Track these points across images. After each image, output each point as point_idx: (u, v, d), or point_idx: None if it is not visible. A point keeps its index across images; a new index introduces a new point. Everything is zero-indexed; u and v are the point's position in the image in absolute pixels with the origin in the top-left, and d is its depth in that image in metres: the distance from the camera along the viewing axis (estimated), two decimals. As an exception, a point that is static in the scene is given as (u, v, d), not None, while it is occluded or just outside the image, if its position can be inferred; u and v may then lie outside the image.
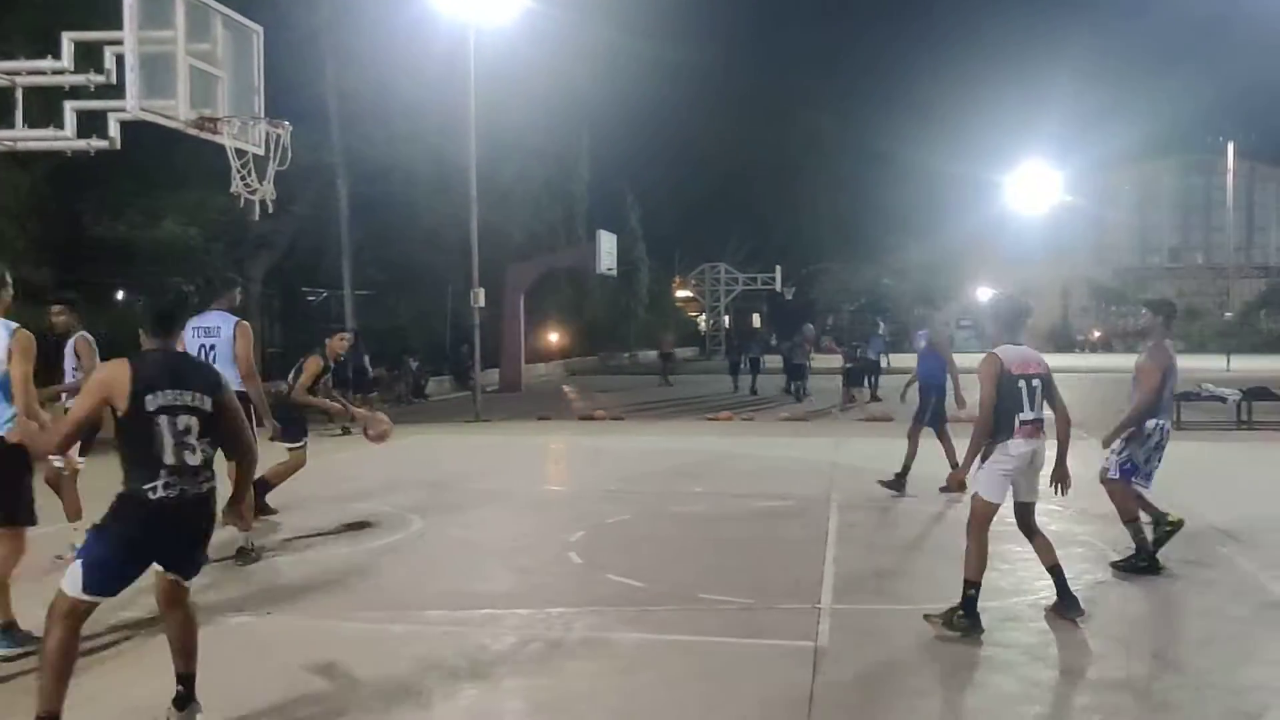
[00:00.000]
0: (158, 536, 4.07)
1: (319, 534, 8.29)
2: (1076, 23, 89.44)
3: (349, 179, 23.44)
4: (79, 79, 8.71)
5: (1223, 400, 16.60)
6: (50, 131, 8.98)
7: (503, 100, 24.95)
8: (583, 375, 36.30)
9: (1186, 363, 36.79)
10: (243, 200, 8.96)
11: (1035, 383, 5.68)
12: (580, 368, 38.79)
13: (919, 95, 59.27)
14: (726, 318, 53.92)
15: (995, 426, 5.57)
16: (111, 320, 16.66)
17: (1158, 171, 68.04)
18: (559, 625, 5.80)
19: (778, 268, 46.31)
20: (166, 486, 3.98)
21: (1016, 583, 6.75)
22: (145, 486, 3.98)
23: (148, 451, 3.98)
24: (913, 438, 10.24)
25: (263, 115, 9.23)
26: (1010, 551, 7.71)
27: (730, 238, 53.14)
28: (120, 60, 8.45)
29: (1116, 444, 7.07)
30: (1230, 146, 46.69)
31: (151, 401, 4.00)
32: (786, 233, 55.30)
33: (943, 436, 10.26)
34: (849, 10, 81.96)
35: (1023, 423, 5.58)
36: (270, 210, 9.25)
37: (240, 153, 8.87)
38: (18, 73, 9.07)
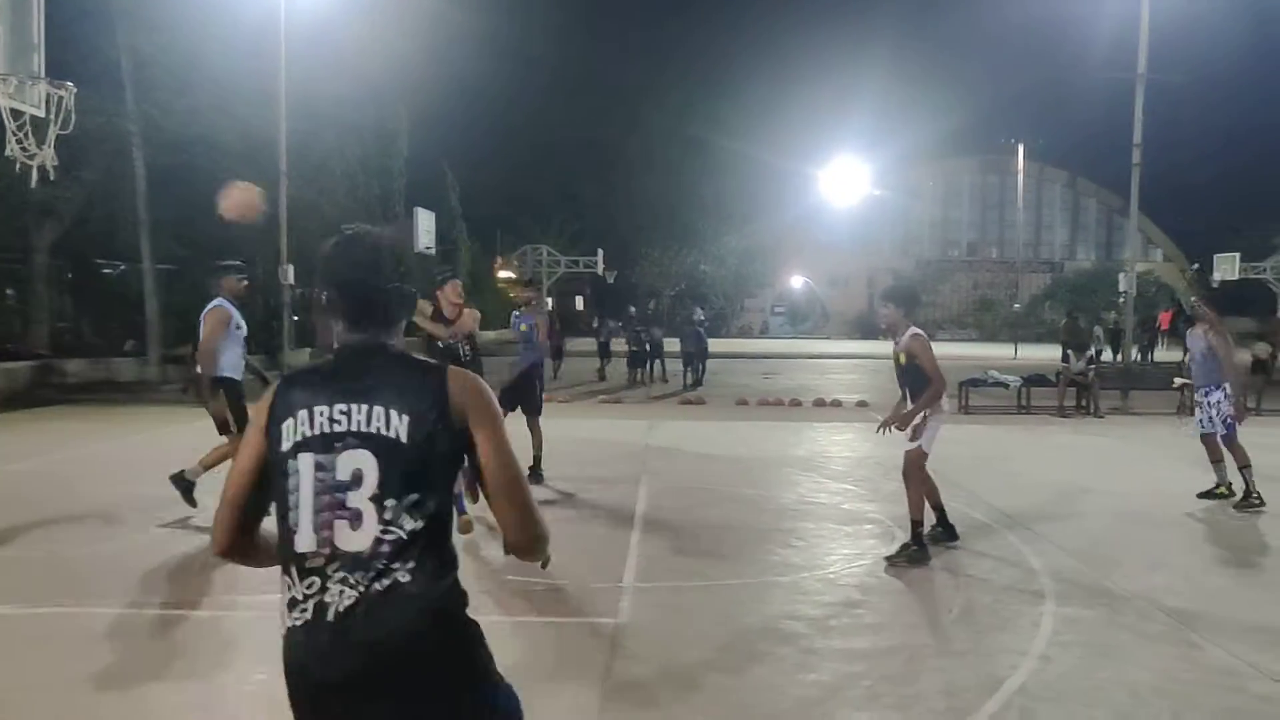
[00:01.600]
0: None
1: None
2: (883, 21, 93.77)
3: (147, 149, 22.10)
4: None
5: (1005, 386, 17.89)
6: None
7: (317, 73, 24.14)
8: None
9: (977, 350, 39.33)
10: (19, 165, 8.34)
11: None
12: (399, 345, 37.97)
13: (738, 86, 60.75)
14: (549, 300, 53.82)
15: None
16: None
17: (959, 169, 72.06)
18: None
19: (599, 251, 46.55)
20: None
21: (808, 559, 7.10)
22: None
23: None
24: None
25: (43, 74, 8.61)
26: (804, 529, 8.11)
27: (553, 220, 53.13)
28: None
29: (1208, 408, 9.01)
30: (1020, 148, 49.91)
31: None
32: (609, 216, 55.79)
33: None
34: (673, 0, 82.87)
35: None
36: (51, 176, 8.62)
37: (16, 114, 8.25)
38: None
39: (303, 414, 2.16)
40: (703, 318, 24.44)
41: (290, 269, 19.12)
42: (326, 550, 2.10)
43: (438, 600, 2.12)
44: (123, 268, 30.14)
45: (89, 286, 28.91)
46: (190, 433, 10.29)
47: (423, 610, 2.09)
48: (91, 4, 20.79)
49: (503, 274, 57.75)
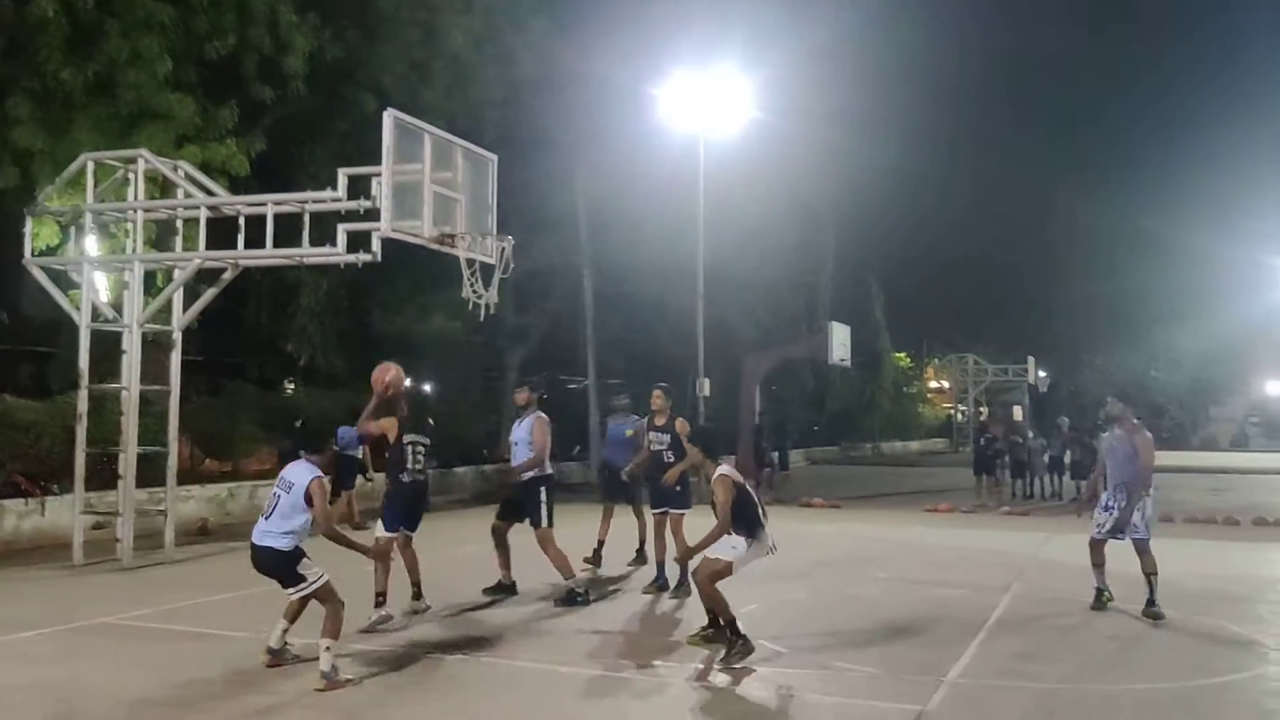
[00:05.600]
0: None
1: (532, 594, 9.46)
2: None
3: (595, 278, 25.61)
4: (351, 205, 10.61)
5: None
6: (327, 249, 10.96)
7: (737, 201, 26.37)
8: (823, 465, 36.54)
9: None
10: (471, 304, 10.50)
11: None
12: (821, 457, 39.02)
13: (1187, 171, 55.60)
14: (982, 410, 52.32)
15: None
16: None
17: None
18: (696, 677, 6.62)
19: (1030, 359, 44.68)
20: None
21: (1149, 670, 6.86)
22: None
23: None
24: None
25: (494, 231, 10.80)
26: (1158, 643, 7.75)
27: (982, 327, 51.87)
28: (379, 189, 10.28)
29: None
30: None
31: None
32: (1041, 322, 53.27)
33: None
34: (1104, 81, 77.93)
35: None
36: (493, 311, 10.71)
37: (470, 262, 10.44)
38: (305, 201, 11.19)
39: None
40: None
41: (706, 382, 21.05)
42: None
43: None
44: (584, 382, 34.43)
45: (553, 400, 33.30)
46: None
47: None
48: (561, 162, 24.61)
49: (931, 384, 57.16)
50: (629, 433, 11.17)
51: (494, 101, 20.77)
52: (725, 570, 7.04)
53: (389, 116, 10.15)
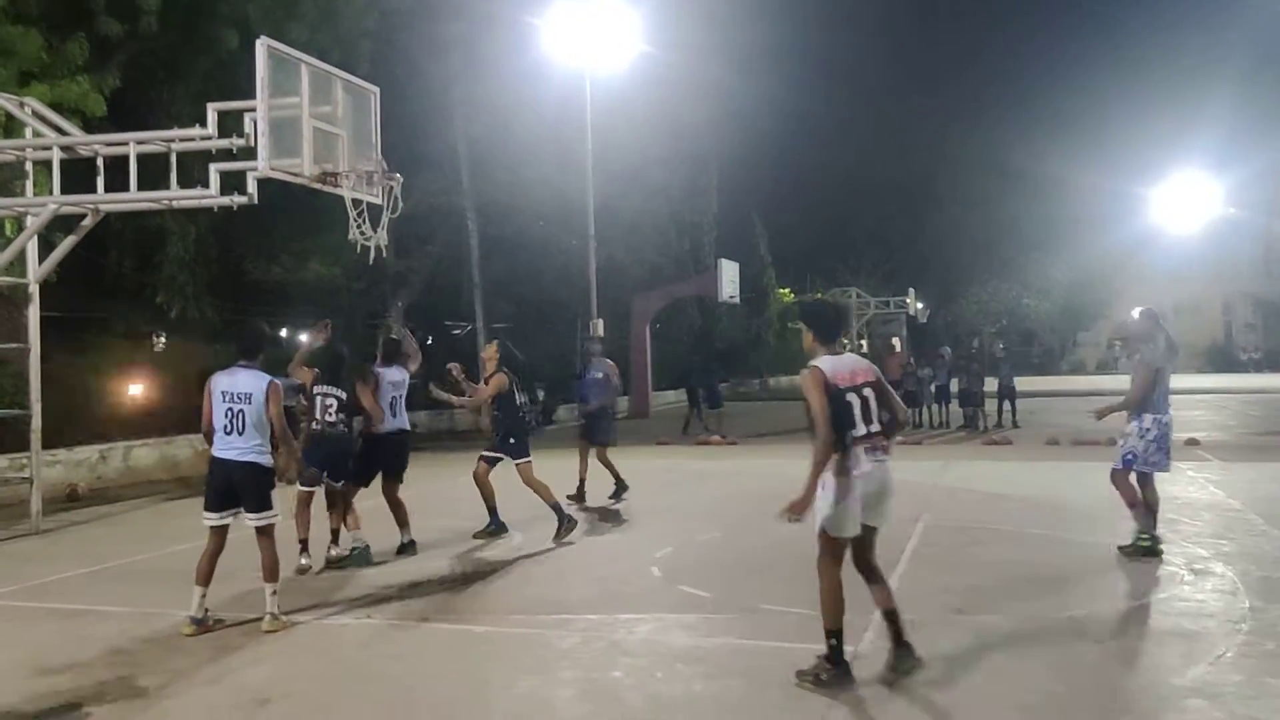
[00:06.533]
0: None
1: (427, 547, 9.05)
2: (1234, 20, 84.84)
3: (479, 220, 24.82)
4: (223, 143, 9.83)
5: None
6: (198, 191, 10.16)
7: (623, 139, 25.90)
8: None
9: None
10: (359, 246, 9.89)
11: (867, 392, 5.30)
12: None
13: (1058, 106, 57.39)
14: (863, 341, 53.43)
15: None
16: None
17: (1330, 177, 63.94)
18: (622, 628, 6.34)
19: (910, 290, 45.79)
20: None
21: (1073, 599, 6.90)
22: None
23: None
24: None
25: (379, 168, 10.15)
26: (1078, 568, 7.82)
27: (864, 261, 52.85)
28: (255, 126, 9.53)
29: (1121, 438, 8.15)
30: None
31: None
32: (923, 255, 54.64)
33: None
34: (979, 19, 79.70)
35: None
36: (384, 254, 10.14)
37: (356, 202, 9.80)
38: (172, 140, 10.32)
39: None
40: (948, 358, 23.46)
41: (600, 323, 20.67)
42: None
43: None
44: (469, 328, 33.71)
45: (440, 346, 32.51)
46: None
47: None
48: (437, 97, 23.68)
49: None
50: (600, 375, 12.01)
51: (367, 33, 19.78)
52: (838, 545, 5.40)
53: (262, 45, 9.38)
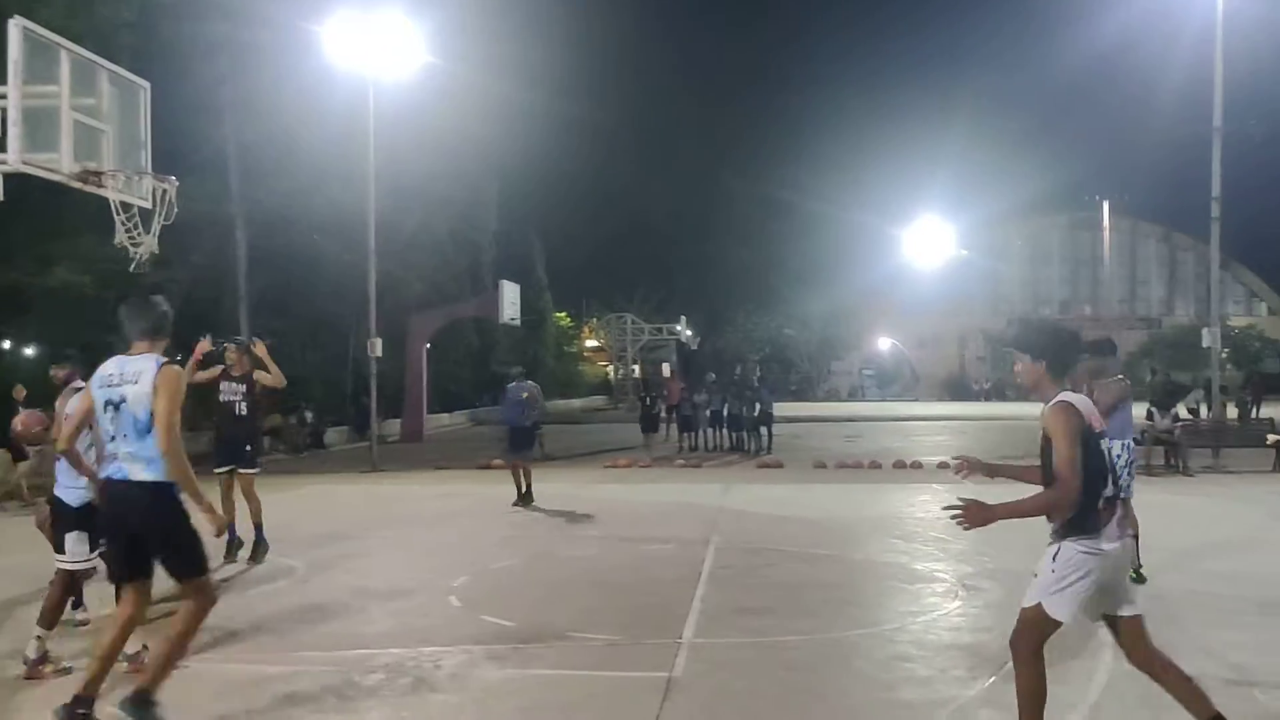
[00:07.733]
0: None
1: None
2: (965, 83, 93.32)
3: (249, 230, 23.43)
4: (-37, 131, 8.78)
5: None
6: (-69, 183, 9.02)
7: (405, 152, 25.24)
8: (489, 424, 36.28)
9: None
10: (129, 252, 9.07)
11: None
12: (487, 417, 38.73)
13: (820, 149, 61.57)
14: (635, 367, 54.53)
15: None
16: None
17: (1046, 227, 71.07)
18: (428, 662, 6.03)
19: (682, 317, 47.13)
20: None
21: (869, 616, 7.17)
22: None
23: None
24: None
25: (149, 169, 9.36)
26: (867, 587, 8.14)
27: (638, 288, 53.96)
28: (4, 114, 8.56)
29: None
30: (1105, 205, 49.07)
31: None
32: (691, 283, 56.41)
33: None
34: (752, 65, 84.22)
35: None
36: (152, 262, 9.36)
37: (125, 206, 8.99)
38: (-101, 124, 9.10)
39: None
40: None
41: (378, 342, 19.90)
42: None
43: None
44: (222, 344, 31.76)
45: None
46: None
47: None
48: (204, 98, 22.22)
49: (590, 343, 58.73)
50: (525, 395, 13.53)
51: (127, 23, 18.34)
52: (1050, 627, 4.07)
53: (16, 25, 8.48)
